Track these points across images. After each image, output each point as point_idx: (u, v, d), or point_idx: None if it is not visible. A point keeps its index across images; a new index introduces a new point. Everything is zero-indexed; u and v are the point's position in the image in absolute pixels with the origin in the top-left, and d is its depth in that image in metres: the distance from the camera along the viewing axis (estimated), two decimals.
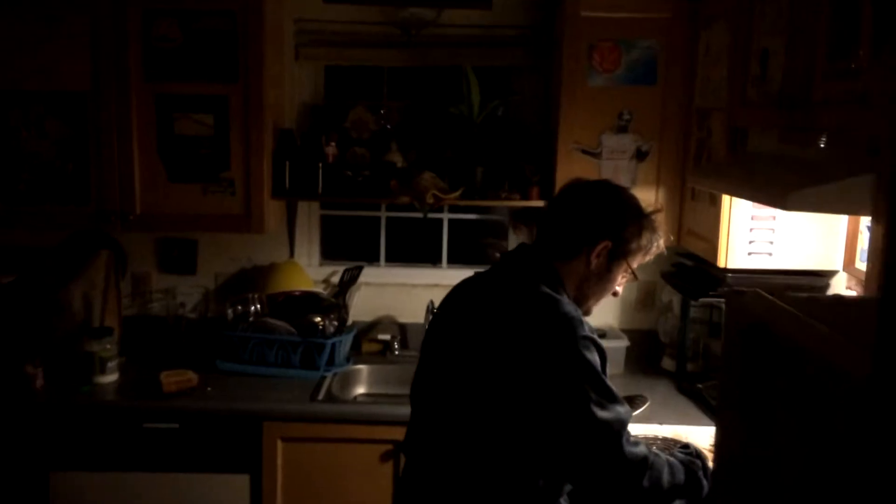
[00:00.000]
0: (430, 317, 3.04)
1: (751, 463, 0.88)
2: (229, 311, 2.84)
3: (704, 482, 1.61)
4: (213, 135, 2.72)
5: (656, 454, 1.59)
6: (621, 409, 1.51)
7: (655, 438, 2.26)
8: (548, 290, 1.60)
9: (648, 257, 1.73)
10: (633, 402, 2.29)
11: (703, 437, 2.35)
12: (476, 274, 1.80)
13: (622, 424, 1.50)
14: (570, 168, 2.71)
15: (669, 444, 2.26)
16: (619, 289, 1.74)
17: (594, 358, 1.53)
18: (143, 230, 2.95)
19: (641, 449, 1.54)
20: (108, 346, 2.69)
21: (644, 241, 1.68)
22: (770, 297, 0.85)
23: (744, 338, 0.90)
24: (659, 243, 1.72)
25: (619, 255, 1.67)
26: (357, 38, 3.01)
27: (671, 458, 1.63)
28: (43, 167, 2.76)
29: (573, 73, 2.68)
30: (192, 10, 2.67)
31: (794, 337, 0.79)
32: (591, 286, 1.69)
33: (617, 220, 1.67)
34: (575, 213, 1.69)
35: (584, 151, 2.71)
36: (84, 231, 2.93)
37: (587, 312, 1.72)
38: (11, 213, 2.78)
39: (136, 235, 3.03)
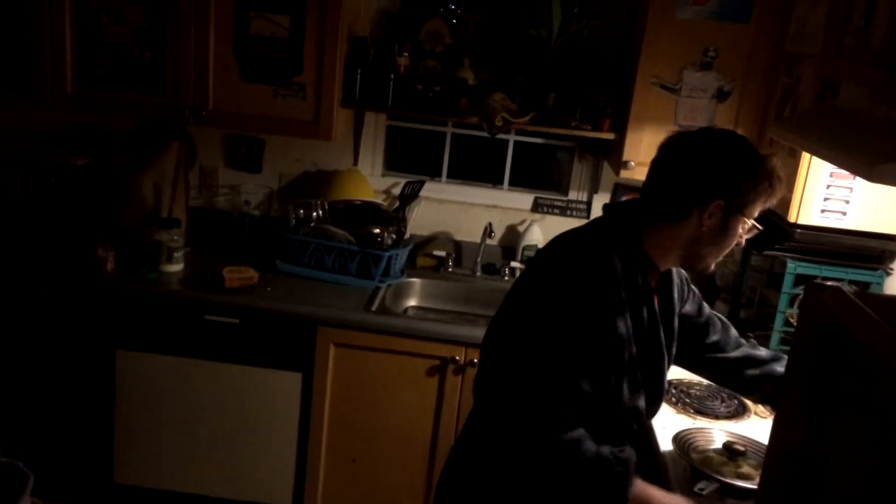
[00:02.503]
0: (487, 238, 3.07)
1: (806, 463, 0.89)
2: (292, 215, 2.90)
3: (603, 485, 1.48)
4: (287, 37, 2.70)
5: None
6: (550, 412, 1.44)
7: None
8: (615, 263, 1.51)
9: (771, 202, 1.56)
10: None
11: None
12: (576, 228, 1.71)
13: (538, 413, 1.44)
14: (646, 102, 2.64)
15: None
16: (742, 240, 1.59)
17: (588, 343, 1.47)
18: (215, 126, 2.99)
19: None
20: (176, 238, 2.78)
21: (761, 189, 1.52)
22: (851, 295, 0.84)
23: (817, 334, 0.90)
24: (779, 183, 1.55)
25: (735, 210, 1.53)
26: None
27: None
28: (121, 54, 2.78)
29: (662, 3, 2.56)
30: None
31: (870, 345, 0.78)
32: (706, 246, 1.57)
33: (727, 175, 1.51)
34: (678, 171, 1.55)
35: (663, 87, 2.63)
36: (157, 120, 2.99)
37: (706, 270, 1.62)
38: (89, 97, 2.84)
39: (206, 129, 3.07)
